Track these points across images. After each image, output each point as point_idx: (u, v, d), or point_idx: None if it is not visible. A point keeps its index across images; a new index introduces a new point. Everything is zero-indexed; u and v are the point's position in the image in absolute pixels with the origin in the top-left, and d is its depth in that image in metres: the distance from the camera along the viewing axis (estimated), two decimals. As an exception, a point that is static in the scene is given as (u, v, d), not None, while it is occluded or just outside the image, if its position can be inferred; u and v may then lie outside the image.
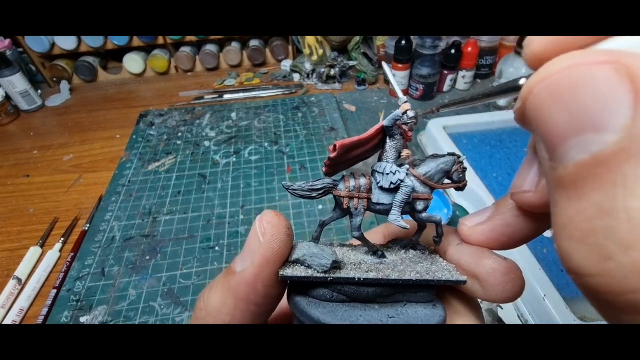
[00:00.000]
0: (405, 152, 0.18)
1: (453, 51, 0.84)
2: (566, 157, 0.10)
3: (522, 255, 0.47)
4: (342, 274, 0.16)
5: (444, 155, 0.18)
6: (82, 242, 0.58)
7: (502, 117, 0.73)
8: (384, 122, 0.17)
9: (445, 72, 0.86)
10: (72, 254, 0.56)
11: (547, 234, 0.53)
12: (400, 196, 0.17)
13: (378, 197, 0.17)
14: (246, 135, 0.80)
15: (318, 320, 0.15)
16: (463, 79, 0.89)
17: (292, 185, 0.18)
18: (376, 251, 0.18)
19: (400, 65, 0.84)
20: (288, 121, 0.83)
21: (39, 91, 0.97)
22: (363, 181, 0.18)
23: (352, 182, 0.17)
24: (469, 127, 0.72)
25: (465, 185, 0.19)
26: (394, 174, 0.17)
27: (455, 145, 0.65)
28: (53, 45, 0.96)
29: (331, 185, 0.18)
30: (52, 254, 0.56)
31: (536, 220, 0.15)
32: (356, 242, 0.21)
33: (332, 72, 0.96)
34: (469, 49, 0.85)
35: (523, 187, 0.14)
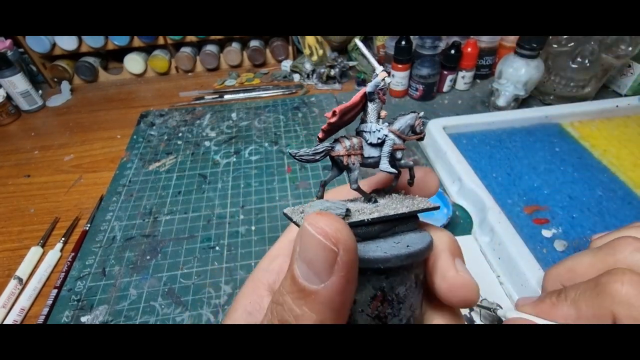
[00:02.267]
0: (383, 113, 0.21)
1: (453, 51, 0.84)
2: None
3: (521, 256, 0.47)
4: (355, 218, 0.18)
5: (408, 113, 0.22)
6: (83, 241, 0.58)
7: (502, 117, 0.73)
8: (366, 88, 0.20)
9: (445, 72, 0.86)
10: (72, 254, 0.56)
11: (547, 234, 0.53)
12: (386, 148, 0.21)
13: (368, 152, 0.21)
14: (246, 135, 0.80)
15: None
16: (463, 79, 0.89)
17: (298, 152, 0.20)
18: (370, 198, 0.21)
19: (400, 66, 0.84)
20: (288, 121, 0.83)
21: (40, 91, 0.97)
22: (355, 140, 0.21)
23: (347, 142, 0.20)
24: (468, 127, 0.72)
25: (424, 136, 0.23)
26: (379, 131, 0.21)
27: (455, 145, 0.65)
28: (54, 45, 0.96)
29: (330, 148, 0.20)
30: (53, 254, 0.56)
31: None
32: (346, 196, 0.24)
33: (332, 72, 0.96)
34: (469, 49, 0.85)
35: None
